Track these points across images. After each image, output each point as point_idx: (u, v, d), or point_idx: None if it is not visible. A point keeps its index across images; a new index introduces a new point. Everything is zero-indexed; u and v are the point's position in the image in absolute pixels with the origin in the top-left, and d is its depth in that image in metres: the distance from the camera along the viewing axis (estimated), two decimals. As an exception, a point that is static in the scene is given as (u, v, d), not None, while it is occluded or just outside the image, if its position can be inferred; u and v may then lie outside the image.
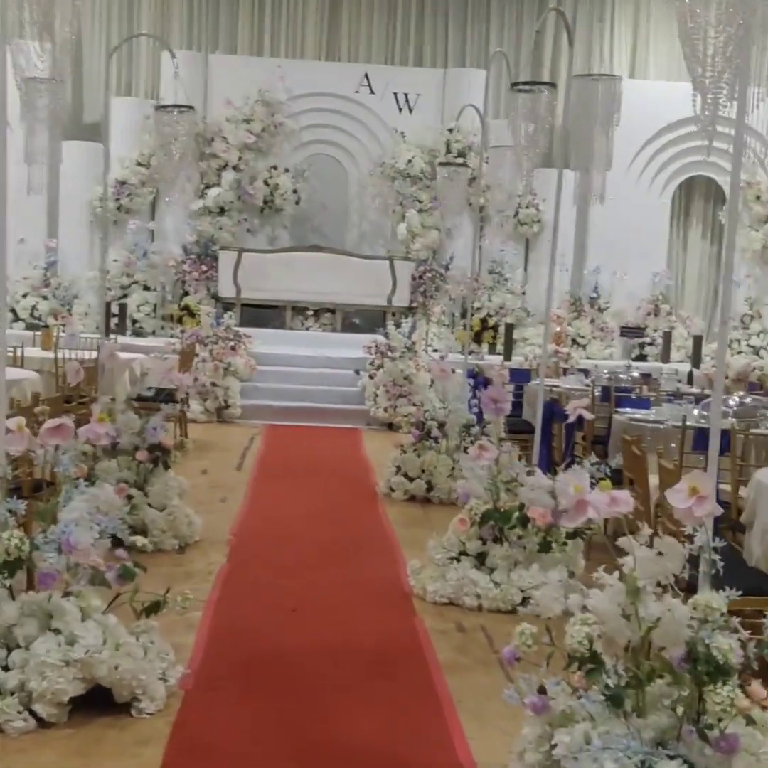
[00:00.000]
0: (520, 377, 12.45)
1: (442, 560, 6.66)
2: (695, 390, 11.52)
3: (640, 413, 8.77)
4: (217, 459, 11.61)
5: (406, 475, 9.89)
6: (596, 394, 10.28)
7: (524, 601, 6.42)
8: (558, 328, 15.52)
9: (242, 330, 15.65)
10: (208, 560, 7.37)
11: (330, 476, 10.86)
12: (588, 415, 6.71)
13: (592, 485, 3.87)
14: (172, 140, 12.52)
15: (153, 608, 5.11)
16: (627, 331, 15.64)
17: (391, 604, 6.58)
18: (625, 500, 3.70)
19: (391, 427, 14.70)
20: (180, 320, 16.70)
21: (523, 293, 17.92)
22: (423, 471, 9.85)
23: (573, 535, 6.45)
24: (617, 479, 6.39)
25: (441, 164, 14.38)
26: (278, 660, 5.59)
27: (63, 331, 16.62)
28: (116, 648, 4.73)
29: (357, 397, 15.06)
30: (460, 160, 15.71)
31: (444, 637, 6.05)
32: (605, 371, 11.49)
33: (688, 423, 7.73)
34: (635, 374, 11.82)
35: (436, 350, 16.50)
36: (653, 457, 6.38)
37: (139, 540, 7.44)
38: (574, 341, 17.54)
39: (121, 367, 11.68)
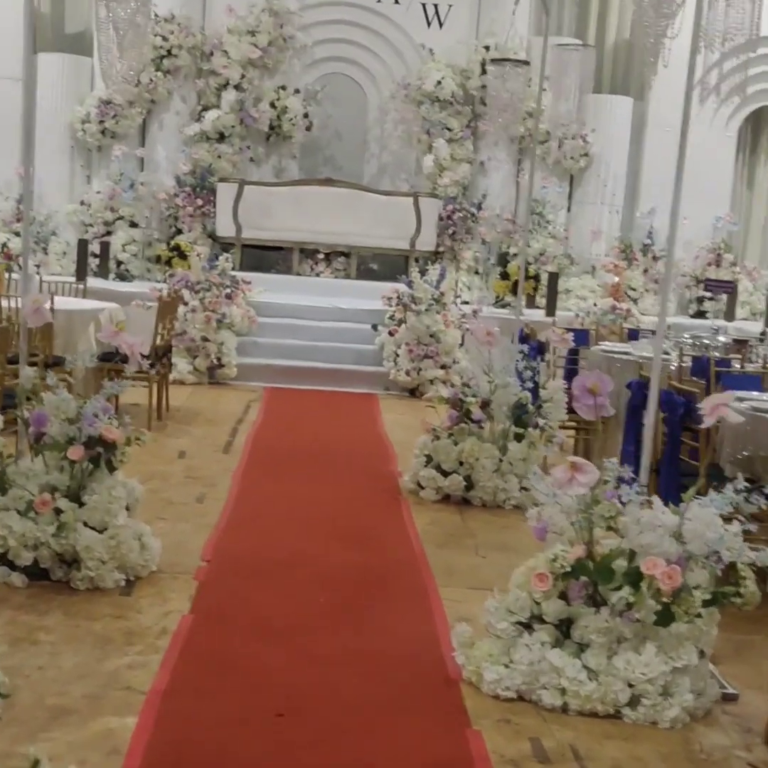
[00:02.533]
0: (575, 338, 10.16)
1: (507, 630, 4.42)
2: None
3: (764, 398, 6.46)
4: (202, 435, 9.38)
5: (438, 468, 7.66)
6: (683, 366, 8.01)
7: (634, 701, 4.20)
8: (616, 279, 13.14)
9: (240, 275, 13.40)
10: (164, 608, 5.14)
11: (339, 464, 8.61)
12: (735, 418, 4.41)
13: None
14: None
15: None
16: (712, 285, 13.24)
17: (430, 702, 4.32)
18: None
19: (413, 393, 12.49)
20: (169, 262, 14.40)
21: (566, 238, 15.59)
22: (461, 463, 7.61)
23: (712, 600, 4.21)
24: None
25: (494, 62, 11.64)
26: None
27: (38, 273, 14.45)
28: None
29: (374, 356, 12.84)
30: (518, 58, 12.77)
31: (515, 769, 3.84)
32: (686, 335, 9.14)
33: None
34: (722, 339, 9.47)
35: (466, 302, 14.28)
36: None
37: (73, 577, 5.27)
38: (599, 287, 15.21)
39: (84, 322, 9.45)
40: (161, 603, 5.19)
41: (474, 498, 7.57)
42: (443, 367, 12.42)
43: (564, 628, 4.40)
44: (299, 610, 5.17)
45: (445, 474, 7.61)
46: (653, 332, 9.53)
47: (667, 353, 8.74)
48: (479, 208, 15.43)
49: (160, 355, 9.81)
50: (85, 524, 5.39)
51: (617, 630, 4.26)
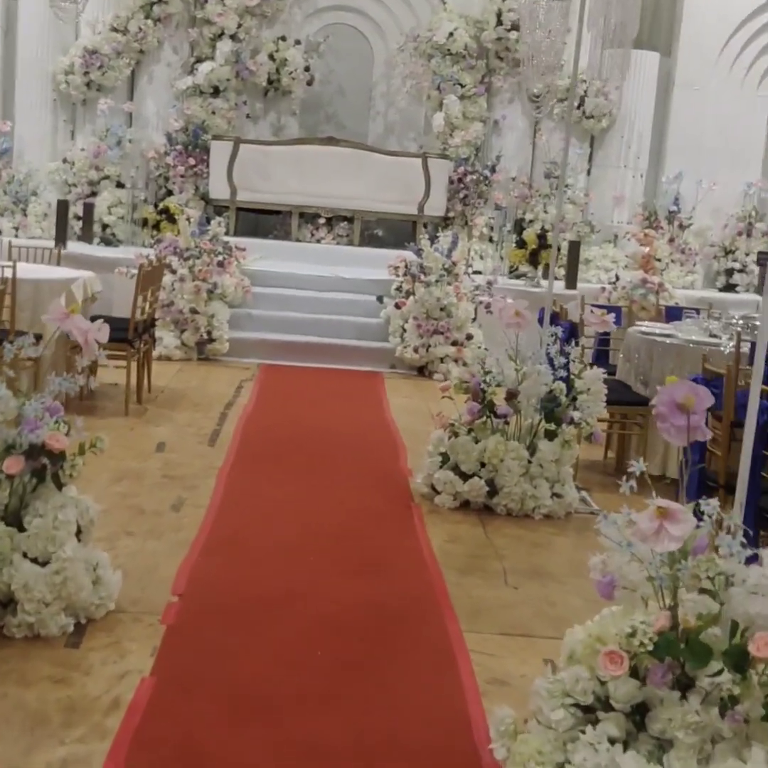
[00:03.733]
0: (604, 316, 9.07)
1: (564, 721, 3.34)
2: None
3: None
4: (186, 422, 8.30)
5: (456, 469, 6.58)
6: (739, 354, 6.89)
7: (735, 824, 3.14)
8: (646, 250, 11.98)
9: (234, 241, 12.29)
10: (119, 666, 4.07)
11: (341, 459, 7.53)
12: None
13: None
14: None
15: None
16: (765, 259, 12.05)
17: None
18: None
19: (421, 371, 11.43)
20: (157, 226, 13.26)
21: (586, 204, 14.45)
22: (483, 465, 6.53)
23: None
24: None
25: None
26: None
27: (16, 236, 13.34)
28: None
29: (379, 331, 11.75)
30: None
31: None
32: (735, 316, 8.00)
33: None
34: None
35: (477, 272, 13.16)
36: None
37: (8, 623, 4.20)
38: (627, 258, 14.07)
39: (53, 293, 8.35)
40: (116, 658, 4.12)
41: (498, 505, 6.49)
42: (455, 343, 11.33)
43: (637, 717, 3.33)
44: (290, 673, 4.08)
45: (465, 477, 6.54)
46: (697, 311, 8.45)
47: (715, 336, 7.65)
48: (493, 170, 14.30)
49: (141, 331, 8.71)
50: (25, 555, 4.31)
51: (713, 726, 3.18)
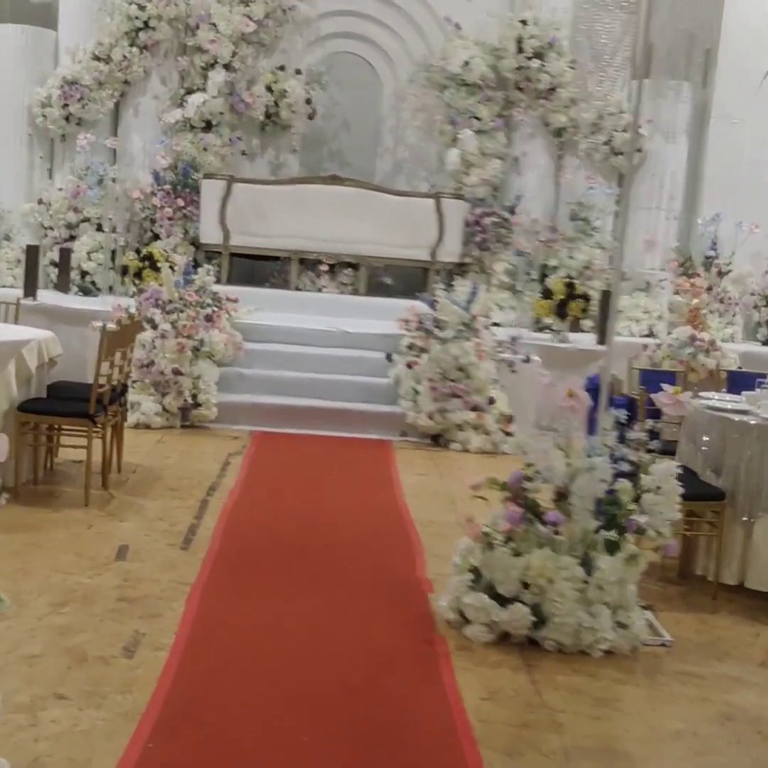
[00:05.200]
0: (652, 384, 7.67)
1: None
2: None
3: None
4: (157, 514, 6.89)
5: (491, 590, 5.17)
6: None
7: None
8: (695, 300, 10.58)
9: (225, 290, 10.98)
10: None
11: (345, 566, 6.11)
12: None
13: None
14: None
15: None
16: None
17: None
18: None
19: (437, 440, 10.05)
20: (138, 275, 11.90)
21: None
22: (526, 586, 5.12)
23: None
24: None
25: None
26: None
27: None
28: None
29: (388, 393, 10.39)
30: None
31: None
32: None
33: None
34: None
35: (496, 324, 11.81)
36: None
37: None
38: (671, 312, 12.71)
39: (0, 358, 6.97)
40: None
41: (546, 640, 5.07)
42: (475, 409, 9.95)
43: None
44: None
45: (503, 601, 5.12)
46: (761, 377, 7.02)
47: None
48: (512, 212, 13.00)
49: (109, 401, 7.30)
50: None
51: None
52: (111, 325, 7.92)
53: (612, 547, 5.18)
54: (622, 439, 5.39)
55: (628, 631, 5.15)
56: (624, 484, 5.18)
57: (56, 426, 7.36)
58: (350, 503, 7.59)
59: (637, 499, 5.30)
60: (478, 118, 13.05)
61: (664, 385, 5.36)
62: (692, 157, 13.61)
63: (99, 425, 7.16)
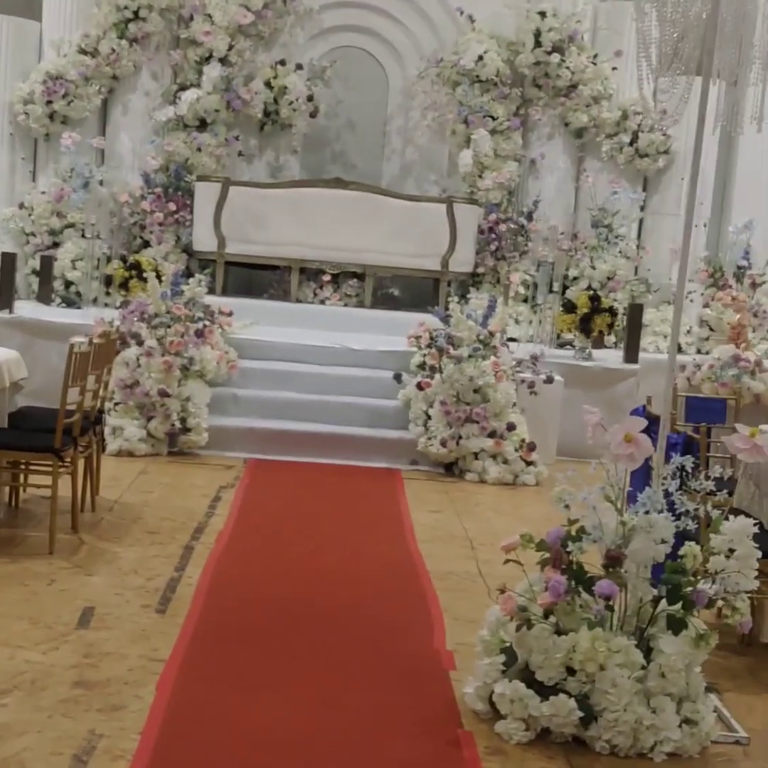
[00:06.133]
0: (698, 413, 6.76)
1: None
2: None
3: None
4: (131, 566, 5.96)
5: (527, 675, 4.22)
6: None
7: None
8: (737, 316, 9.67)
9: (219, 302, 10.11)
10: None
11: (350, 638, 5.15)
12: None
13: None
14: None
15: None
16: None
17: None
18: None
19: (450, 469, 9.16)
20: (125, 285, 10.98)
21: (641, 257, 12.30)
22: (572, 672, 4.17)
23: None
24: None
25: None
26: None
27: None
28: None
29: (397, 417, 9.50)
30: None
31: None
32: None
33: None
34: None
35: (513, 339, 10.94)
36: None
37: None
38: (712, 329, 11.83)
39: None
40: None
41: (596, 740, 4.12)
42: (492, 435, 9.03)
43: None
44: None
45: (543, 691, 4.17)
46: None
47: None
48: (530, 218, 12.15)
49: (76, 433, 6.37)
50: None
51: None
52: (81, 341, 7.01)
53: (676, 625, 4.23)
54: (681, 489, 4.46)
55: (696, 728, 4.20)
56: (692, 547, 4.24)
57: (21, 460, 6.45)
58: (355, 552, 6.63)
59: (704, 563, 4.37)
60: (492, 117, 12.31)
61: (739, 426, 4.39)
62: (722, 160, 12.75)
63: (67, 460, 6.23)
